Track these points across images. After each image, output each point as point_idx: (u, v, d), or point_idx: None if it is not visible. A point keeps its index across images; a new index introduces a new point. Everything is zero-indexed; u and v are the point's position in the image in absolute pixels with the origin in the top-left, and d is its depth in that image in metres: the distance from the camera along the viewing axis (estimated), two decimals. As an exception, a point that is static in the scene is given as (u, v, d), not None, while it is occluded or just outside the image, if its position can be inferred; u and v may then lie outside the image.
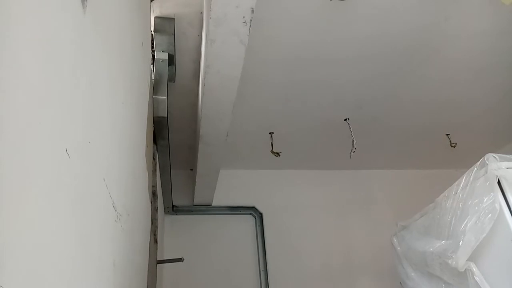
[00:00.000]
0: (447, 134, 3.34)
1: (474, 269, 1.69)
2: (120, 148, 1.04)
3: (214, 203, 3.39)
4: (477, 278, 1.67)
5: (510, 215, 1.62)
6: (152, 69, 2.08)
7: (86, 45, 0.69)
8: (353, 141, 2.81)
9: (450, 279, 1.91)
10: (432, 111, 3.04)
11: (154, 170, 2.12)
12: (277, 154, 2.98)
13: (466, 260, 1.72)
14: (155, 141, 2.19)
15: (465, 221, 1.73)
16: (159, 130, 2.15)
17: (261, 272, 3.22)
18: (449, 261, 1.78)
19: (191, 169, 3.29)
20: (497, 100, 2.99)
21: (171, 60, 2.18)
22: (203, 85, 1.96)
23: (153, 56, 2.11)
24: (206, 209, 3.40)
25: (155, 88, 2.02)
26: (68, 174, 0.59)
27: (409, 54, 2.41)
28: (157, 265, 2.28)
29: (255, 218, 3.45)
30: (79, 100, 0.64)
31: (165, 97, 2.02)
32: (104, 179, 0.82)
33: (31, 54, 0.46)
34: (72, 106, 0.59)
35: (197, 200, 3.26)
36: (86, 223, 0.70)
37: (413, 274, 2.28)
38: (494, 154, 1.72)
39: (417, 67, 2.54)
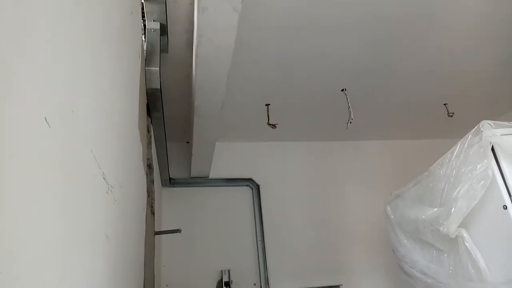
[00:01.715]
0: (444, 104, 3.32)
1: (465, 235, 1.72)
2: (109, 119, 1.02)
3: (211, 175, 3.41)
4: (467, 244, 1.71)
5: (502, 182, 1.63)
6: (143, 39, 2.03)
7: (65, 9, 0.66)
8: (349, 111, 2.80)
9: (442, 246, 1.95)
10: (430, 81, 3.01)
11: (149, 143, 2.12)
12: (274, 126, 2.97)
13: (458, 227, 1.75)
14: (149, 113, 2.17)
15: (458, 188, 1.74)
16: (153, 102, 2.12)
17: (258, 242, 3.29)
18: (441, 228, 1.81)
19: (188, 142, 3.28)
20: (496, 69, 2.95)
21: (163, 30, 2.11)
22: (196, 55, 1.92)
23: (144, 26, 2.05)
24: (203, 181, 3.43)
25: (147, 59, 1.98)
26: (50, 144, 0.58)
27: (407, 22, 2.35)
28: (155, 236, 2.32)
29: (252, 190, 3.49)
30: (57, 68, 0.62)
31: (158, 68, 1.98)
32: (92, 150, 0.81)
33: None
34: (49, 74, 0.58)
35: (194, 173, 3.28)
36: (74, 196, 0.70)
37: (405, 241, 2.33)
38: (489, 121, 1.71)
39: (415, 36, 2.49)
